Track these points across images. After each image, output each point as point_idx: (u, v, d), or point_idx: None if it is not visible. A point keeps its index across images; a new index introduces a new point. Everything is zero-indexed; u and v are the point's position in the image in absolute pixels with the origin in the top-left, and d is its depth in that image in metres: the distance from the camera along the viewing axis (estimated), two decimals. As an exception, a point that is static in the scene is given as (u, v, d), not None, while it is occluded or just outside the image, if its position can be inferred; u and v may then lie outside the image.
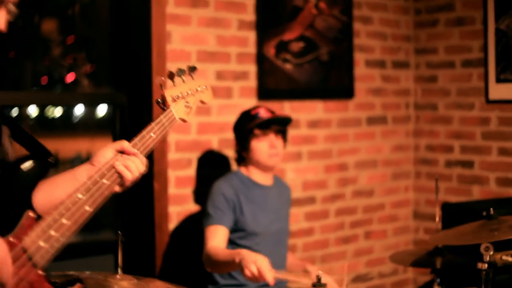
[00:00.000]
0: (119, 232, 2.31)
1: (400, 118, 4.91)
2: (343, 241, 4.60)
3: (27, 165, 1.65)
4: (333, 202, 4.52)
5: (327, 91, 4.48)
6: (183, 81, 2.20)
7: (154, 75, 3.66)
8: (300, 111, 4.32)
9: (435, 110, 4.86)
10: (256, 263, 2.69)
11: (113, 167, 1.83)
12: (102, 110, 3.87)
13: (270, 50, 4.16)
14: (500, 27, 4.45)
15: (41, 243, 1.59)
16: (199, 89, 2.24)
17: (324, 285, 2.44)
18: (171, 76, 2.17)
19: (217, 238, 3.24)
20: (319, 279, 2.44)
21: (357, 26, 4.61)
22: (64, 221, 1.65)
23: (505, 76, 4.45)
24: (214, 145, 3.95)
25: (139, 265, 3.64)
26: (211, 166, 3.92)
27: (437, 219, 3.20)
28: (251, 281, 2.76)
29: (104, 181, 1.79)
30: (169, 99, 2.10)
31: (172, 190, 3.78)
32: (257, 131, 3.42)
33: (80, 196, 1.72)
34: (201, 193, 3.76)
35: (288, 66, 4.25)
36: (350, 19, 4.54)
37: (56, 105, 3.77)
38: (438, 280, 3.03)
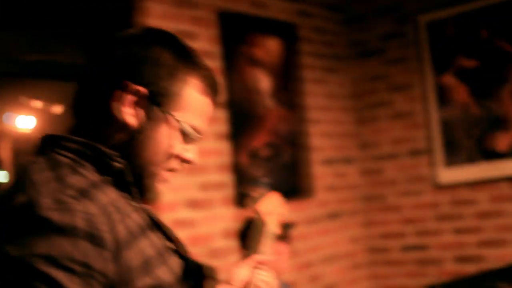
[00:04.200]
0: None
1: (351, 211, 5.13)
2: (318, 337, 4.69)
3: None
4: (306, 300, 4.64)
5: (292, 192, 4.62)
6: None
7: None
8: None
9: (384, 200, 5.12)
10: None
11: (253, 284, 1.83)
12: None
13: (244, 159, 4.28)
14: (443, 118, 4.81)
15: None
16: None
17: None
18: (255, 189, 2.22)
19: None
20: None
21: (310, 127, 4.83)
22: None
23: (453, 161, 4.79)
24: (203, 257, 3.97)
25: None
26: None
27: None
28: None
29: None
30: (262, 213, 2.11)
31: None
32: None
33: None
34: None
35: (258, 173, 4.37)
36: (304, 122, 4.76)
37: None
38: None
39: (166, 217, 1.73)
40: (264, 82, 4.49)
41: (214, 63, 4.11)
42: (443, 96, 4.84)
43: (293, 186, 4.64)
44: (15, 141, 3.84)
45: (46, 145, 1.41)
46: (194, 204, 3.96)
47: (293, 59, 4.73)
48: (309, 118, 4.83)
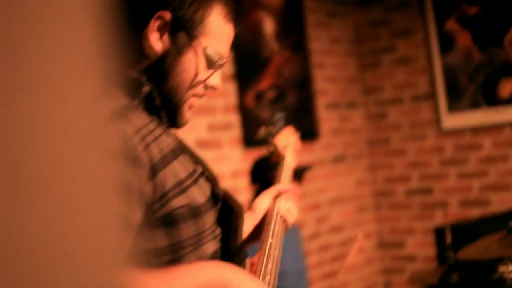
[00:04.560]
0: None
1: (356, 155, 5.19)
2: (326, 276, 4.77)
3: None
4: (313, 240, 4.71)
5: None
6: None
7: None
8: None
9: (388, 144, 5.18)
10: None
11: (277, 212, 1.86)
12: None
13: (250, 101, 4.34)
14: (446, 63, 4.85)
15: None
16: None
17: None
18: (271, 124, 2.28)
19: None
20: None
21: (315, 71, 4.88)
22: (269, 265, 1.73)
23: (456, 107, 4.84)
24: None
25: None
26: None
27: (448, 239, 3.43)
28: None
29: (277, 226, 1.88)
30: (281, 148, 2.15)
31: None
32: None
33: (271, 241, 1.80)
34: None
35: (265, 114, 4.43)
36: (308, 65, 4.81)
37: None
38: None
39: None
40: (268, 25, 4.53)
41: (219, 5, 4.15)
42: (446, 42, 4.88)
43: (298, 129, 4.68)
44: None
45: None
46: (202, 144, 4.01)
47: (297, 2, 4.76)
48: (313, 62, 4.88)
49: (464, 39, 4.82)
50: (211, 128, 4.09)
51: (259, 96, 4.42)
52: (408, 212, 5.10)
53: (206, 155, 3.98)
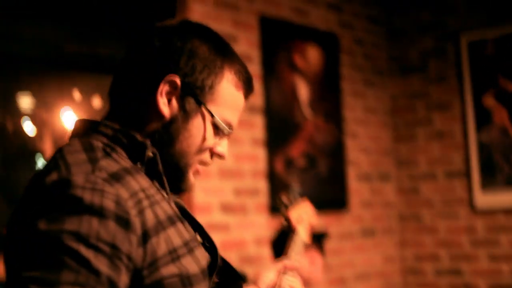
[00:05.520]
0: None
1: (386, 229, 5.03)
2: None
3: None
4: (337, 316, 4.53)
5: (328, 204, 4.54)
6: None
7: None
8: (306, 226, 4.35)
9: (420, 220, 5.02)
10: None
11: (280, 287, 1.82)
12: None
13: (279, 167, 4.22)
14: (482, 140, 4.72)
15: None
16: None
17: None
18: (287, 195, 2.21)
19: None
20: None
21: (348, 141, 4.76)
22: None
23: (490, 185, 4.69)
24: (235, 263, 3.90)
25: None
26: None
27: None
28: None
29: None
30: (294, 221, 2.12)
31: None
32: None
33: None
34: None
35: (292, 181, 4.31)
36: (341, 135, 4.70)
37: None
38: None
39: (200, 219, 1.66)
40: (303, 90, 4.44)
41: (253, 68, 4.09)
42: (483, 118, 4.76)
43: (328, 199, 4.56)
44: (58, 133, 3.86)
45: (81, 129, 1.44)
46: (228, 208, 3.90)
47: (333, 69, 4.68)
48: (347, 131, 4.77)
49: (501, 116, 4.70)
50: (238, 192, 3.98)
51: (289, 163, 4.30)
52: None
53: (231, 219, 3.88)
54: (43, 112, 3.89)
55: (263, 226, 4.09)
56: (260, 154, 4.14)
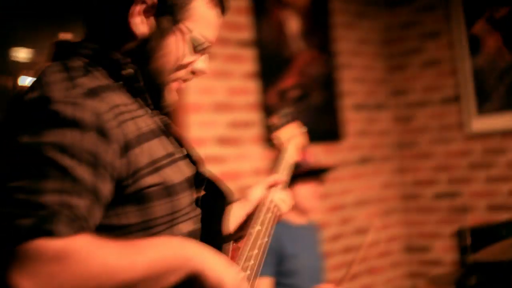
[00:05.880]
0: None
1: (383, 157, 5.14)
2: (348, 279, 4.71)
3: None
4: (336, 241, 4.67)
5: (320, 134, 4.64)
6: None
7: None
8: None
9: (416, 147, 5.12)
10: None
11: (271, 201, 1.89)
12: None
13: (272, 99, 4.32)
14: (475, 64, 4.78)
15: (247, 272, 1.66)
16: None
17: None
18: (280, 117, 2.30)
19: None
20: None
21: (342, 72, 4.84)
22: (254, 251, 1.73)
23: (484, 110, 4.76)
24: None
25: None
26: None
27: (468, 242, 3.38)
28: None
29: (269, 214, 1.87)
30: (283, 140, 2.18)
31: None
32: (302, 178, 3.51)
33: (259, 228, 1.81)
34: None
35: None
36: (334, 66, 4.78)
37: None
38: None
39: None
40: (293, 24, 4.51)
41: (243, 2, 4.16)
42: (475, 44, 4.81)
43: (323, 129, 4.67)
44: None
45: (60, 51, 1.48)
46: (223, 141, 4.01)
47: (322, 1, 4.74)
48: (340, 62, 4.85)
49: (493, 41, 4.74)
50: (232, 125, 4.09)
51: (282, 95, 4.40)
52: (435, 216, 5.03)
53: (226, 152, 3.99)
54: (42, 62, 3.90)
55: (259, 157, 4.20)
56: (252, 87, 4.23)
